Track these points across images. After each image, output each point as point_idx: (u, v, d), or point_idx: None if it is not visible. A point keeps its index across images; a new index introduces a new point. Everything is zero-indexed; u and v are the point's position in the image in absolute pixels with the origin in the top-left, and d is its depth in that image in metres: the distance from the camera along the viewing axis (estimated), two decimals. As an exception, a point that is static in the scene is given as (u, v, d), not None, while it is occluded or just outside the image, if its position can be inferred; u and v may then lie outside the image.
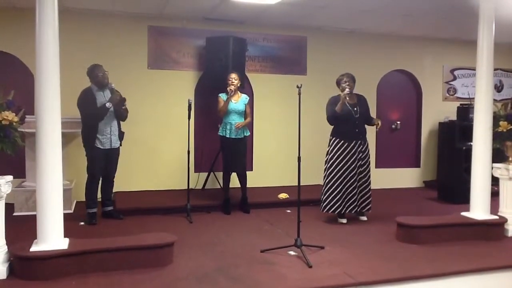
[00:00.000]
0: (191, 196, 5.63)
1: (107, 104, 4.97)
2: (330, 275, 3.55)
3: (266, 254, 4.05)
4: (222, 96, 5.67)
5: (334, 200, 5.15)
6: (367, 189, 5.29)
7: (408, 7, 5.92)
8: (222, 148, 5.81)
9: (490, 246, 4.38)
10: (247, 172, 5.87)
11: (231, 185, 5.84)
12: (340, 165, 5.11)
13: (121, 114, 5.17)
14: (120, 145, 5.27)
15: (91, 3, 5.87)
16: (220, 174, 6.20)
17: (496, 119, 4.86)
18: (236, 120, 5.61)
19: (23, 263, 3.41)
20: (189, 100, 5.61)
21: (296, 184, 4.29)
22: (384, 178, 7.43)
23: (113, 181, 5.35)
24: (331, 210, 5.19)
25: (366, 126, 5.32)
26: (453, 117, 7.41)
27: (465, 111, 7.03)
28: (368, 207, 5.33)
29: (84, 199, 5.21)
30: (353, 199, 5.19)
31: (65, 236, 3.62)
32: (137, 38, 6.55)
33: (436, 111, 7.99)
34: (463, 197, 5.39)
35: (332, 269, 3.69)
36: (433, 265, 3.82)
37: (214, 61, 6.40)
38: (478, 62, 4.72)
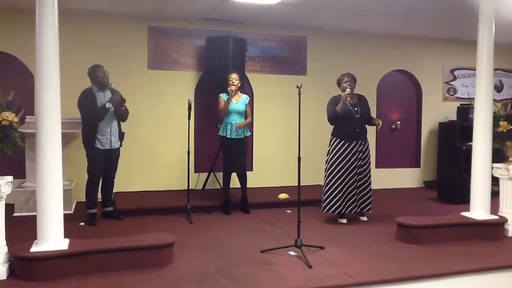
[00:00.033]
0: (191, 196, 5.63)
1: (107, 105, 4.97)
2: (330, 275, 3.55)
3: (266, 254, 4.05)
4: (223, 96, 5.67)
5: (334, 200, 5.15)
6: (368, 189, 5.29)
7: (408, 7, 5.92)
8: (223, 148, 5.81)
9: (490, 246, 4.38)
10: (247, 172, 5.87)
11: (231, 186, 5.84)
12: (341, 165, 5.11)
13: (121, 115, 5.17)
14: (121, 145, 5.27)
15: (91, 4, 5.88)
16: (220, 175, 6.20)
17: (496, 119, 4.85)
18: (236, 120, 5.61)
19: (23, 264, 3.42)
20: (189, 100, 5.61)
21: (296, 184, 4.29)
22: (384, 178, 7.43)
23: (113, 181, 5.35)
24: (331, 210, 5.19)
25: (366, 126, 5.32)
26: (453, 117, 7.41)
27: (465, 111, 7.03)
28: (369, 207, 5.33)
29: (84, 200, 5.21)
30: (353, 199, 5.19)
31: (65, 237, 3.62)
32: (137, 38, 6.55)
33: (436, 111, 7.99)
34: (463, 197, 5.40)
35: (332, 269, 3.69)
36: (433, 265, 3.82)
37: (214, 61, 6.40)
38: (478, 62, 4.72)
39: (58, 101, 3.52)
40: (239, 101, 5.67)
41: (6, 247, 3.51)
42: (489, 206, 4.74)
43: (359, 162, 5.17)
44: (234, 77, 5.63)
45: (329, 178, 5.18)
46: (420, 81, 8.04)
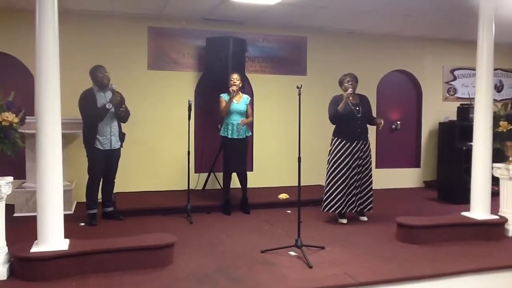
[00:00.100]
0: (191, 196, 5.63)
1: (107, 105, 4.97)
2: (330, 275, 3.55)
3: (267, 254, 4.05)
4: (224, 97, 5.68)
5: (335, 200, 5.15)
6: (368, 188, 5.29)
7: (408, 7, 5.92)
8: (224, 148, 5.81)
9: (490, 246, 4.38)
10: (247, 173, 5.87)
11: (231, 186, 5.84)
12: (342, 165, 5.11)
13: (122, 116, 5.17)
14: (121, 146, 5.27)
15: (91, 4, 5.88)
16: (220, 175, 6.21)
17: (496, 119, 4.85)
18: (238, 121, 5.61)
19: (24, 264, 3.42)
20: (189, 100, 5.61)
21: (296, 184, 4.30)
22: (384, 178, 7.43)
23: (114, 181, 5.35)
24: (332, 210, 5.19)
25: (367, 126, 5.33)
26: (453, 117, 7.41)
27: (465, 111, 7.03)
28: (369, 206, 5.33)
29: (84, 200, 5.21)
30: (354, 199, 5.19)
31: (65, 237, 3.62)
32: (137, 38, 6.55)
33: (436, 111, 7.99)
34: (463, 197, 5.40)
35: (333, 269, 3.69)
36: (433, 265, 3.83)
37: (214, 61, 6.41)
38: (478, 62, 4.72)
39: (58, 102, 3.52)
40: (240, 101, 5.67)
41: (6, 248, 3.52)
42: (489, 206, 4.74)
43: (360, 162, 5.17)
44: (235, 77, 5.63)
45: (330, 178, 5.18)
46: (420, 81, 8.04)
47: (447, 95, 8.25)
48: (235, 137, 5.61)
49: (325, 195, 5.22)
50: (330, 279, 3.48)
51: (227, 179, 5.81)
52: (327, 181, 5.22)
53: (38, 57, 3.45)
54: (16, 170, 4.73)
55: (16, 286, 3.32)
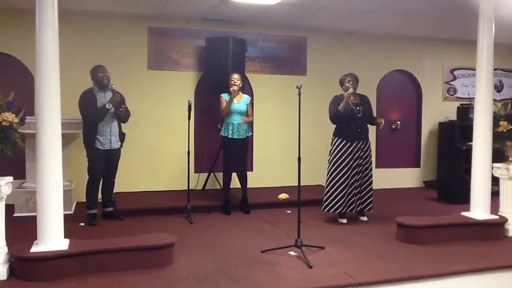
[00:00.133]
0: (191, 196, 5.63)
1: (107, 105, 4.97)
2: (330, 275, 3.55)
3: (267, 254, 4.05)
4: (224, 97, 5.68)
5: (336, 200, 5.15)
6: (369, 188, 5.30)
7: (408, 7, 5.92)
8: (224, 148, 5.81)
9: (490, 246, 4.38)
10: (247, 173, 5.87)
11: (231, 186, 5.84)
12: (342, 165, 5.11)
13: (122, 116, 5.17)
14: (121, 146, 5.27)
15: (91, 4, 5.88)
16: (220, 175, 6.21)
17: (496, 119, 4.85)
18: (238, 121, 5.61)
19: (23, 264, 3.42)
20: (189, 101, 5.61)
21: (296, 184, 4.30)
22: (384, 178, 7.43)
23: (114, 181, 5.36)
24: (332, 210, 5.19)
25: (368, 126, 5.33)
26: (453, 117, 7.41)
27: (465, 111, 7.03)
28: (370, 206, 5.34)
29: (84, 200, 5.21)
30: (354, 199, 5.19)
31: (65, 237, 3.62)
32: (137, 39, 6.55)
33: (436, 111, 7.99)
34: (463, 197, 5.40)
35: (333, 269, 3.69)
36: (433, 265, 3.83)
37: (214, 61, 6.41)
38: (478, 62, 4.72)
39: (58, 102, 3.52)
40: (240, 101, 5.67)
41: (6, 248, 3.52)
42: (489, 206, 4.74)
43: (361, 162, 5.17)
44: (236, 77, 5.64)
45: (331, 178, 5.18)
46: (420, 81, 8.04)
47: (447, 95, 8.25)
48: (236, 137, 5.61)
49: (325, 195, 5.22)
50: (330, 279, 3.48)
51: (227, 179, 5.81)
52: (328, 181, 5.22)
53: (38, 57, 3.45)
54: (16, 170, 4.73)
55: (16, 286, 3.32)
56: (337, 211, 5.21)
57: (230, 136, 5.61)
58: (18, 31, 5.88)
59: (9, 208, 4.40)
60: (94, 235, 4.50)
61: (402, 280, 3.55)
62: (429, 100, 8.09)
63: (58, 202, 3.54)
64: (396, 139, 8.02)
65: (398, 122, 8.01)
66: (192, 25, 6.74)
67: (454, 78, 8.28)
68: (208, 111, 6.81)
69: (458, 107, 7.38)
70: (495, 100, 4.94)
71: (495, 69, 4.93)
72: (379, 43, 7.64)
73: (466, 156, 5.79)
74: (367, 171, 5.27)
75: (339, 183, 5.13)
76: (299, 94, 4.12)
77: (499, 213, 4.85)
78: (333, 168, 5.17)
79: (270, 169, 7.15)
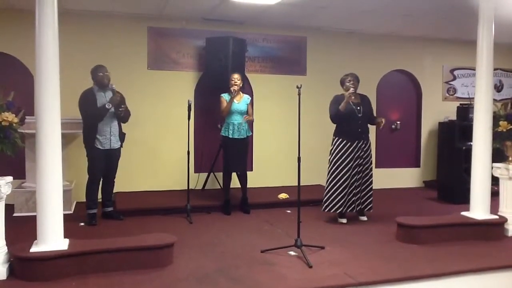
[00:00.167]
0: (191, 196, 5.63)
1: (107, 105, 4.97)
2: (330, 275, 3.55)
3: (266, 254, 4.05)
4: (225, 96, 5.68)
5: (336, 200, 5.15)
6: (369, 188, 5.30)
7: (408, 7, 5.92)
8: (224, 148, 5.81)
9: (490, 246, 4.38)
10: (247, 173, 5.87)
11: (231, 186, 5.84)
12: (343, 165, 5.12)
13: (122, 116, 5.16)
14: (121, 146, 5.27)
15: (90, 4, 5.88)
16: (220, 175, 6.20)
17: (496, 119, 4.85)
18: (239, 121, 5.61)
19: (23, 264, 3.42)
20: (188, 100, 5.61)
21: (296, 184, 4.30)
22: (384, 178, 7.42)
23: (114, 181, 5.35)
24: (333, 210, 5.19)
25: (368, 125, 5.33)
26: (453, 117, 7.41)
27: (465, 111, 7.03)
28: (370, 206, 5.34)
29: (84, 200, 5.21)
30: (354, 198, 5.19)
31: (65, 237, 3.62)
32: (137, 39, 6.55)
33: (436, 111, 7.99)
34: (463, 197, 5.40)
35: (332, 269, 3.69)
36: (433, 265, 3.83)
37: (214, 61, 6.41)
38: (478, 62, 4.72)
39: (58, 102, 3.52)
40: (241, 101, 5.68)
41: (6, 248, 3.52)
42: (489, 206, 4.74)
43: (361, 161, 5.17)
44: (236, 77, 5.64)
45: (331, 178, 5.18)
46: (420, 81, 8.04)
47: (447, 95, 8.25)
48: (236, 137, 5.62)
49: (325, 195, 5.22)
50: (330, 279, 3.48)
51: (227, 179, 5.80)
52: (328, 181, 5.22)
53: (38, 57, 3.45)
54: (16, 170, 4.73)
55: (15, 286, 3.31)
56: (338, 211, 5.21)
57: (230, 136, 5.61)
58: (18, 31, 5.88)
59: (9, 208, 4.40)
60: (94, 235, 4.50)
61: (402, 280, 3.55)
62: (429, 100, 8.09)
63: (58, 202, 3.54)
64: (396, 139, 8.02)
65: (398, 122, 8.01)
66: (192, 25, 6.74)
67: (454, 78, 8.28)
68: (208, 111, 6.81)
69: (458, 107, 7.38)
70: (495, 100, 4.94)
71: (495, 69, 4.93)
72: (379, 43, 7.64)
73: (466, 156, 5.79)
74: (367, 171, 5.27)
75: (339, 183, 5.13)
76: (299, 94, 4.12)
77: (499, 213, 4.85)
78: (333, 168, 5.17)
79: (270, 169, 7.15)
